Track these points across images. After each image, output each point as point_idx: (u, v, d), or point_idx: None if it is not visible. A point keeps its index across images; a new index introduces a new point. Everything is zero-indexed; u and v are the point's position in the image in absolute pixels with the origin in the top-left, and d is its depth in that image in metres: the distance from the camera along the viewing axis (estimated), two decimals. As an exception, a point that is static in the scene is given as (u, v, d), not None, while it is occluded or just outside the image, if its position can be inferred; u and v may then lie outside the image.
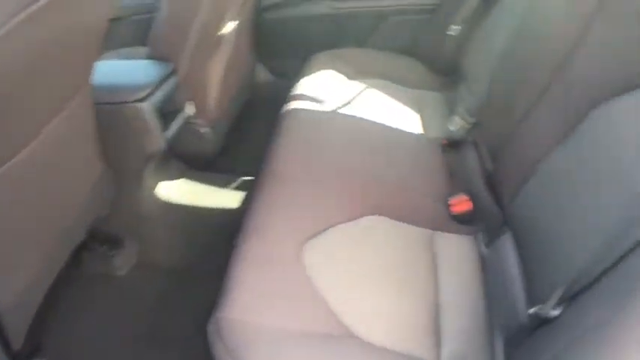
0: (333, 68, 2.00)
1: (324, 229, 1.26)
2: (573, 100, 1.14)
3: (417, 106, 1.89)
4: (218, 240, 1.59)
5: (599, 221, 0.92)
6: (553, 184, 1.10)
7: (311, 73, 1.98)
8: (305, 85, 1.91)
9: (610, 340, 0.70)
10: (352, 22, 2.27)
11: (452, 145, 1.68)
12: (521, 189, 1.19)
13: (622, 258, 0.81)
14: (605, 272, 0.84)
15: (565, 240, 0.98)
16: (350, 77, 1.98)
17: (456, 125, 1.67)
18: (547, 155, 1.14)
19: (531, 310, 0.96)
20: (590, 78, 1.13)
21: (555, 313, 0.90)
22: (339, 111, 1.77)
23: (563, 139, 1.11)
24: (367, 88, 1.93)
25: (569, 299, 0.89)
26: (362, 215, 1.33)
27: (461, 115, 1.67)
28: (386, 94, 1.92)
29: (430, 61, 2.14)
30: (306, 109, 1.75)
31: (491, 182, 1.40)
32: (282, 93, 1.93)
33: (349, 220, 1.31)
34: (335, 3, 2.23)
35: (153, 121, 1.44)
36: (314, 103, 1.79)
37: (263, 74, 2.39)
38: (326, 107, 1.78)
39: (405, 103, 1.89)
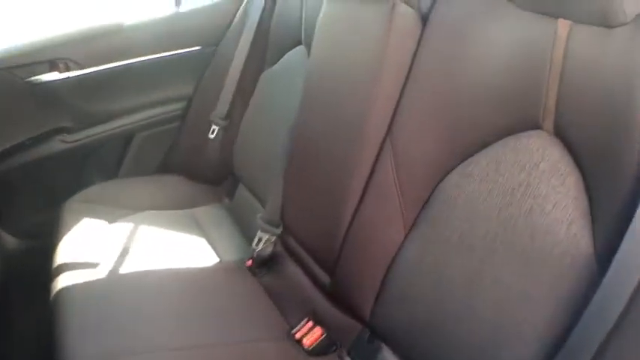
0: (89, 214, 1.63)
1: None
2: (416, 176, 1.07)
3: (199, 229, 1.66)
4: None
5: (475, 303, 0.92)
6: (416, 272, 1.03)
7: (66, 227, 1.58)
8: (64, 246, 1.50)
9: None
10: (96, 152, 1.93)
11: (261, 264, 1.44)
12: (381, 289, 1.09)
13: None
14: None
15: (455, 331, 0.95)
16: (113, 219, 1.62)
17: (259, 241, 1.43)
18: (400, 242, 1.07)
19: None
20: (427, 150, 1.06)
21: None
22: (118, 269, 1.41)
23: (415, 221, 1.06)
24: (137, 226, 1.60)
25: None
26: None
27: (261, 227, 1.45)
28: (160, 226, 1.62)
29: (196, 174, 1.88)
30: (78, 283, 1.33)
31: (334, 292, 1.22)
32: (38, 260, 1.54)
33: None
34: (67, 136, 1.85)
35: None
36: (84, 270, 1.39)
37: (9, 240, 1.89)
38: (100, 271, 1.39)
39: (185, 230, 1.64)
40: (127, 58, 1.84)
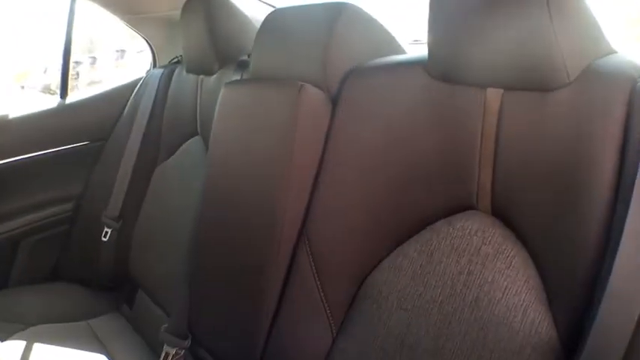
0: None
1: None
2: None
3: (99, 343, 1.46)
4: None
5: None
6: None
7: None
8: None
9: None
10: None
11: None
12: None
13: None
14: None
15: None
16: (1, 336, 1.41)
17: (167, 356, 1.25)
18: (328, 348, 0.96)
19: None
20: (347, 243, 0.96)
21: None
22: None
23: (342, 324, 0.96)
24: (30, 344, 1.39)
25: None
26: None
27: (167, 341, 1.27)
28: (55, 342, 1.41)
29: (91, 280, 1.70)
30: None
31: None
32: None
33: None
34: None
35: None
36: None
37: None
38: None
39: (83, 345, 1.43)
40: (10, 156, 1.68)
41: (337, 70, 1.03)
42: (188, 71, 1.54)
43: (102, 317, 1.59)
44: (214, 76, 1.44)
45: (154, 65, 1.87)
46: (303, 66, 1.06)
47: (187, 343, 1.25)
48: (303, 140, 1.01)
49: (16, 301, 1.60)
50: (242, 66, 1.37)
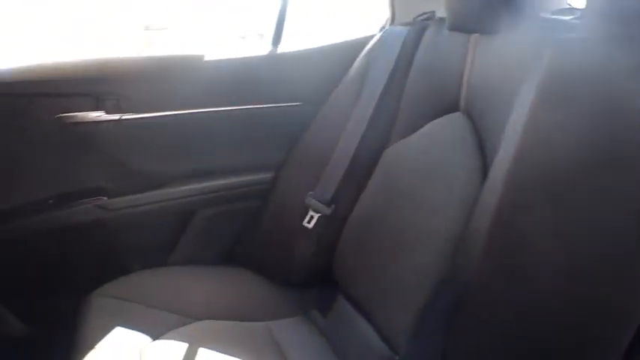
0: (124, 320, 1.15)
1: None
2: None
3: (279, 353, 1.17)
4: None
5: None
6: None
7: (90, 337, 1.10)
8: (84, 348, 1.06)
9: None
10: (140, 228, 1.45)
11: None
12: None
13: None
14: None
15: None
16: (158, 332, 1.13)
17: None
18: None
19: None
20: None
21: None
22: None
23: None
24: (192, 345, 1.11)
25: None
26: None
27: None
28: (223, 345, 1.13)
29: (276, 271, 1.39)
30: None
31: None
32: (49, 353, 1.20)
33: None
34: (105, 201, 1.38)
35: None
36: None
37: (16, 326, 1.41)
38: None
39: (259, 352, 1.16)
40: (197, 106, 1.42)
41: None
42: (451, 28, 1.17)
43: (286, 320, 1.29)
44: (498, 35, 1.08)
45: (392, 21, 1.53)
46: None
47: None
48: None
49: (177, 284, 1.34)
50: (555, 23, 1.02)
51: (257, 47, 1.57)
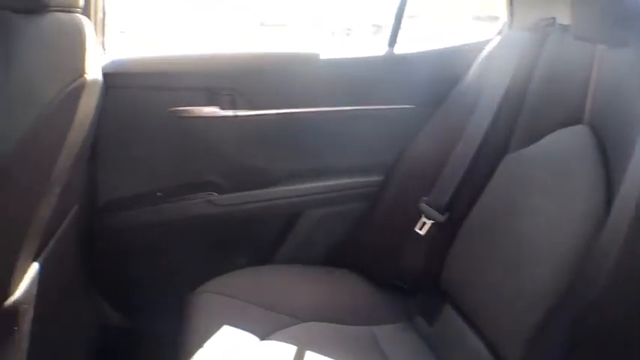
0: (231, 317, 1.15)
1: None
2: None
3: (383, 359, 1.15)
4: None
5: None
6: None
7: (196, 332, 1.12)
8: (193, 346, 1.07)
9: None
10: (248, 224, 1.45)
11: None
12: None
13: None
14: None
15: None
16: (264, 330, 1.14)
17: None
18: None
19: None
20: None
21: None
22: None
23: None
24: (300, 347, 1.10)
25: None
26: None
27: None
28: (329, 348, 1.12)
29: (381, 275, 1.36)
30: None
31: None
32: (143, 343, 1.31)
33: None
34: (215, 197, 1.40)
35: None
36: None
37: (111, 314, 1.46)
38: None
39: (365, 357, 1.14)
40: (310, 104, 1.42)
41: None
42: (577, 37, 1.11)
43: (390, 326, 1.26)
44: (627, 49, 1.02)
45: (510, 26, 1.46)
46: None
47: None
48: None
49: (283, 283, 1.34)
50: None
51: (373, 47, 1.55)
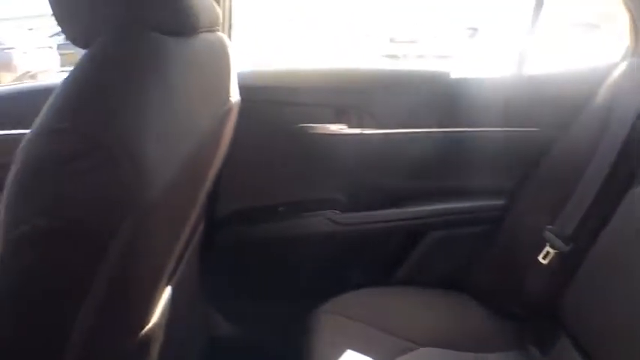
0: (351, 341, 1.18)
1: None
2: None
3: None
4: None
5: None
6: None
7: (321, 349, 1.17)
8: None
9: None
10: (368, 244, 1.47)
11: None
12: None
13: None
14: None
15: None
16: (384, 355, 1.15)
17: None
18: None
19: None
20: None
21: None
22: None
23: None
24: None
25: None
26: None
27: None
28: None
29: (496, 300, 1.34)
30: None
31: None
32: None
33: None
34: (338, 215, 1.43)
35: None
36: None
37: (221, 324, 1.51)
38: None
39: None
40: (437, 124, 1.43)
41: None
42: None
43: (506, 353, 1.24)
44: None
45: (633, 53, 1.37)
46: None
47: None
48: None
49: (404, 306, 1.35)
50: None
51: (502, 68, 1.53)
